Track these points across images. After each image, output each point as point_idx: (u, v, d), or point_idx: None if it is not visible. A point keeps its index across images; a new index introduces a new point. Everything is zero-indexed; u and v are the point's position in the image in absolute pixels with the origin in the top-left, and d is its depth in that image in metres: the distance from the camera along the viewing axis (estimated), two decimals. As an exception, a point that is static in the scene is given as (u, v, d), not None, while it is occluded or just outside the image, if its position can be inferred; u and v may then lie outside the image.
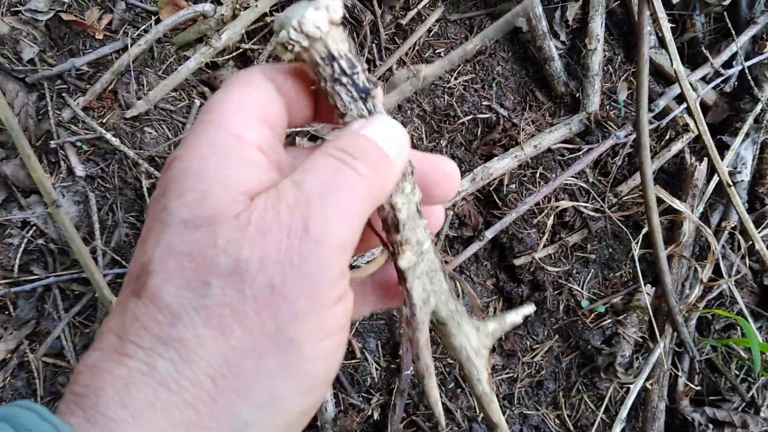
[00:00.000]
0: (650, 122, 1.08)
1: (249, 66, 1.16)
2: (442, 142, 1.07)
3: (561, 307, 1.06)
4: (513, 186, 1.02)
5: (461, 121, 1.08)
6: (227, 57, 1.15)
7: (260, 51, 1.15)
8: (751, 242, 1.05)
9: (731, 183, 1.03)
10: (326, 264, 0.30)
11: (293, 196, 0.31)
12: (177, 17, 1.12)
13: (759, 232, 1.01)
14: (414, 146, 1.07)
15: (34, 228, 1.06)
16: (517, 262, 1.05)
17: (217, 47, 1.10)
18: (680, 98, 1.12)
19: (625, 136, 1.07)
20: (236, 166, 0.32)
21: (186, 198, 0.30)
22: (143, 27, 1.14)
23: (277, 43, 0.35)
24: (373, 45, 1.11)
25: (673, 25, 1.17)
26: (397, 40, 1.12)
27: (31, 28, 1.11)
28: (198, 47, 1.14)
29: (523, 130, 1.06)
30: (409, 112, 1.09)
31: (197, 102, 1.13)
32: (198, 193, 0.30)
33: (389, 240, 0.37)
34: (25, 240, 1.05)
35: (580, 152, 1.07)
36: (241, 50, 1.15)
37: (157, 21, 1.14)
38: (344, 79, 0.35)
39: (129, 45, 1.11)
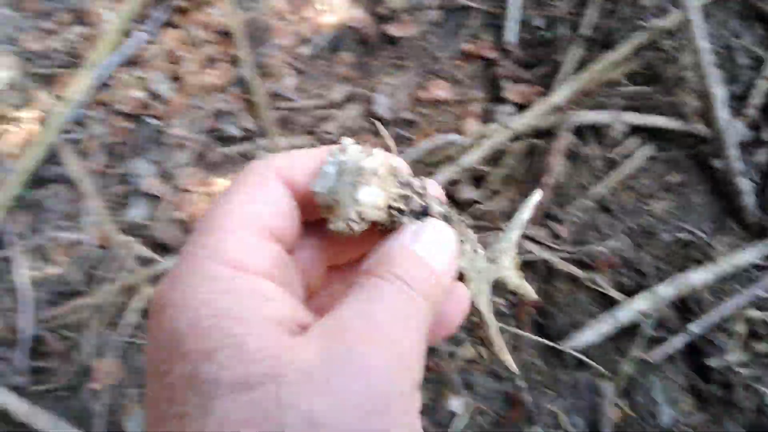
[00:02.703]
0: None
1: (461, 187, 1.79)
2: (644, 255, 1.62)
3: (750, 407, 1.52)
4: (709, 296, 1.54)
5: (662, 239, 1.62)
6: (464, 175, 1.79)
7: (492, 173, 1.79)
8: None
9: None
10: (406, 408, 0.35)
11: (364, 329, 0.35)
12: (429, 144, 1.79)
13: None
14: (622, 259, 1.62)
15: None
16: (710, 363, 1.53)
17: (462, 166, 1.74)
18: None
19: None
20: (253, 307, 0.35)
21: (218, 358, 0.32)
22: (401, 150, 1.82)
23: (332, 230, 0.42)
24: (587, 174, 1.71)
25: None
26: (607, 171, 1.71)
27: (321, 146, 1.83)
28: (442, 167, 1.79)
29: (716, 249, 1.59)
30: (616, 228, 1.66)
31: (439, 209, 1.77)
32: (231, 349, 0.33)
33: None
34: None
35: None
36: (475, 171, 1.79)
37: (413, 145, 1.83)
38: (403, 217, 0.44)
39: (391, 162, 1.79)
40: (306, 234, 0.47)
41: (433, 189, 0.47)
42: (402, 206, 0.43)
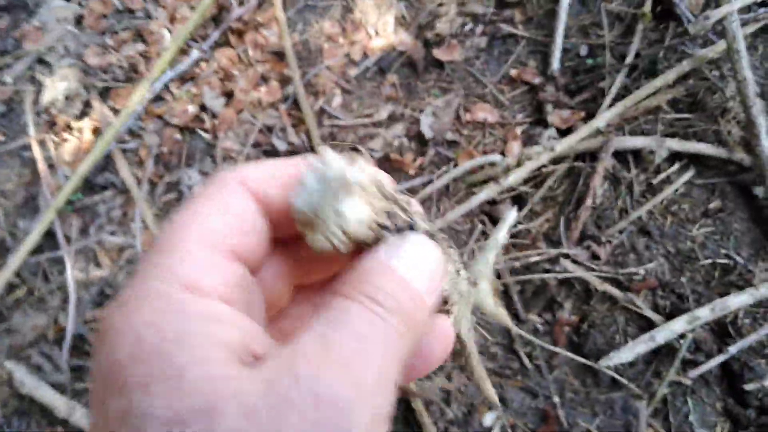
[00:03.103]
0: None
1: (522, 203, 1.87)
2: (682, 278, 1.68)
3: (787, 435, 1.55)
4: (747, 320, 1.59)
5: (701, 263, 1.68)
6: (505, 195, 1.88)
7: (533, 194, 1.87)
8: None
9: None
10: None
11: (318, 355, 0.32)
12: (472, 163, 1.89)
13: None
14: (658, 281, 1.68)
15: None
16: (747, 387, 1.57)
17: (504, 186, 1.84)
18: None
19: None
20: (202, 332, 0.33)
21: (155, 390, 0.30)
22: (444, 168, 1.92)
23: (313, 247, 0.39)
24: (627, 197, 1.79)
25: None
26: (647, 195, 1.79)
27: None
28: (483, 186, 1.89)
29: (756, 276, 1.64)
30: (655, 251, 1.72)
31: (479, 226, 1.86)
32: (170, 382, 0.30)
33: None
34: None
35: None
36: (516, 192, 1.88)
37: (455, 165, 1.93)
38: (387, 235, 0.41)
39: (434, 180, 1.89)
40: (272, 251, 0.45)
41: (416, 206, 0.45)
42: (387, 222, 0.41)
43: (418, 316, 0.38)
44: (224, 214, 0.39)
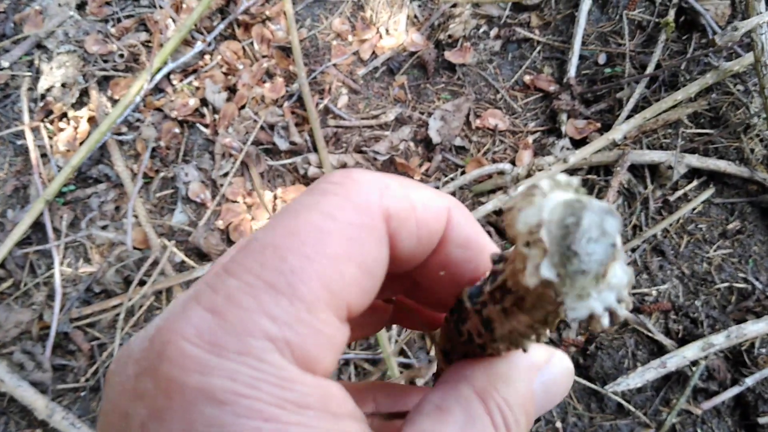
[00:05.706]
0: None
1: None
2: (697, 302, 1.61)
3: (802, 473, 1.48)
4: (764, 349, 1.52)
5: (717, 287, 1.62)
6: (514, 206, 1.82)
7: (543, 205, 1.81)
8: None
9: None
10: None
11: None
12: (480, 171, 1.83)
13: None
14: (671, 303, 1.61)
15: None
16: (761, 420, 1.51)
17: (513, 197, 1.78)
18: None
19: None
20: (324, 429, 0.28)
21: None
22: (451, 176, 1.86)
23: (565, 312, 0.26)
24: (642, 214, 1.72)
25: None
26: (663, 212, 1.72)
27: (369, 164, 1.88)
28: (491, 196, 1.83)
29: (775, 304, 1.57)
30: (669, 272, 1.66)
31: (485, 238, 1.79)
32: None
33: None
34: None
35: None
36: (526, 202, 1.82)
37: (463, 173, 1.87)
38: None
39: (440, 186, 1.83)
40: None
41: None
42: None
43: None
44: (359, 266, 0.30)
